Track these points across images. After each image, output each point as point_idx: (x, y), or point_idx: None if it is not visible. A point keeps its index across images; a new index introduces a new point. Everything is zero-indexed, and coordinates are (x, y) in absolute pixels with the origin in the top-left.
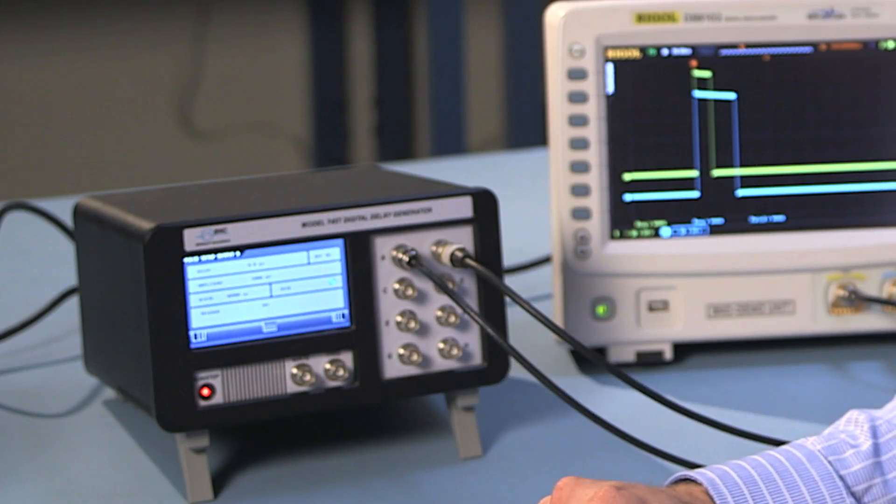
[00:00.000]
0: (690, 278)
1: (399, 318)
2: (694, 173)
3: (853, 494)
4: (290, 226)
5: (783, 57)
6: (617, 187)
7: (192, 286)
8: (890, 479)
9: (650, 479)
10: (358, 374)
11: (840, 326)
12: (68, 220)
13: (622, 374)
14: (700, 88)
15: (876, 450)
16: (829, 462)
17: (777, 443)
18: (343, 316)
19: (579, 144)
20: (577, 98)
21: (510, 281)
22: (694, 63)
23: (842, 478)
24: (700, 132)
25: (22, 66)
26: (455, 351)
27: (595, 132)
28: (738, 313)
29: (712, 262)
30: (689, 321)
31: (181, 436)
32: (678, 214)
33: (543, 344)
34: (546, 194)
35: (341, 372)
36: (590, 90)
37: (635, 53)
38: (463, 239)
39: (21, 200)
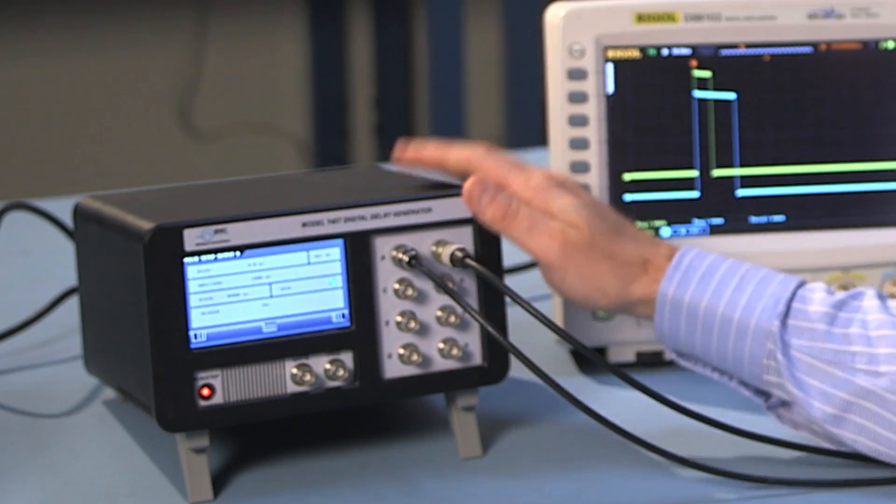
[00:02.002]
0: None
1: (399, 318)
2: (694, 173)
3: (785, 328)
4: (290, 226)
5: (783, 57)
6: (617, 187)
7: (192, 286)
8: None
9: (651, 479)
10: (358, 374)
11: None
12: (68, 220)
13: (622, 373)
14: (700, 88)
15: (832, 319)
16: (794, 288)
17: (777, 442)
18: (343, 316)
19: (579, 144)
20: (577, 98)
21: (510, 281)
22: (694, 63)
23: (788, 307)
24: (700, 132)
25: (22, 66)
26: (455, 351)
27: (595, 132)
28: None
29: None
30: None
31: (181, 436)
32: (678, 214)
33: (543, 344)
34: None
35: (341, 372)
36: (590, 90)
37: (635, 53)
38: (463, 239)
39: (21, 200)
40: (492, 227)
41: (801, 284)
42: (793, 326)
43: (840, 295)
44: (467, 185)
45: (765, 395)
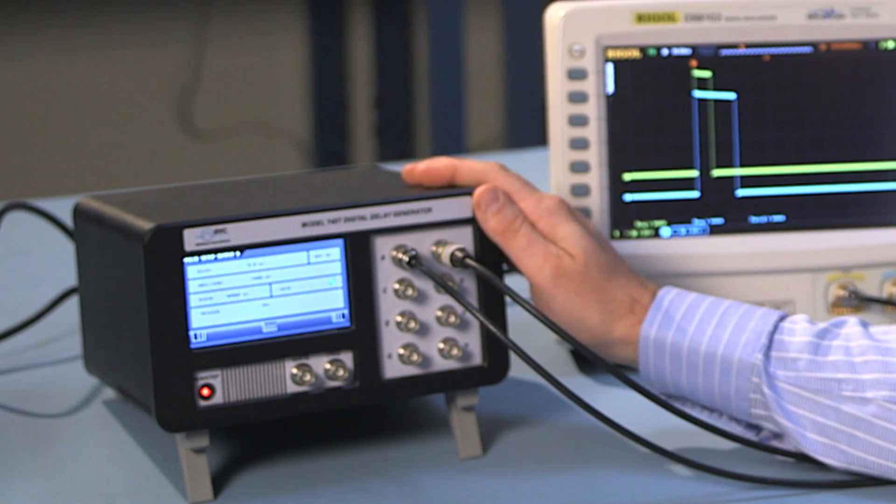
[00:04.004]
0: (690, 278)
1: (399, 318)
2: (694, 173)
3: (769, 361)
4: (290, 226)
5: (783, 57)
6: (617, 187)
7: (192, 286)
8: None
9: (651, 479)
10: (358, 374)
11: None
12: (68, 220)
13: (622, 374)
14: (700, 88)
15: (816, 348)
16: (776, 321)
17: (772, 450)
18: (343, 316)
19: (579, 144)
20: (577, 98)
21: (510, 281)
22: (694, 63)
23: (770, 340)
24: (700, 132)
25: (22, 66)
26: (455, 351)
27: (595, 132)
28: None
29: (712, 262)
30: None
31: (181, 436)
32: (678, 214)
33: (543, 344)
34: None
35: (341, 372)
36: (590, 90)
37: (635, 53)
38: (463, 239)
39: (21, 200)
40: (492, 237)
41: (782, 318)
42: (776, 358)
43: (822, 325)
44: (479, 190)
45: (755, 428)
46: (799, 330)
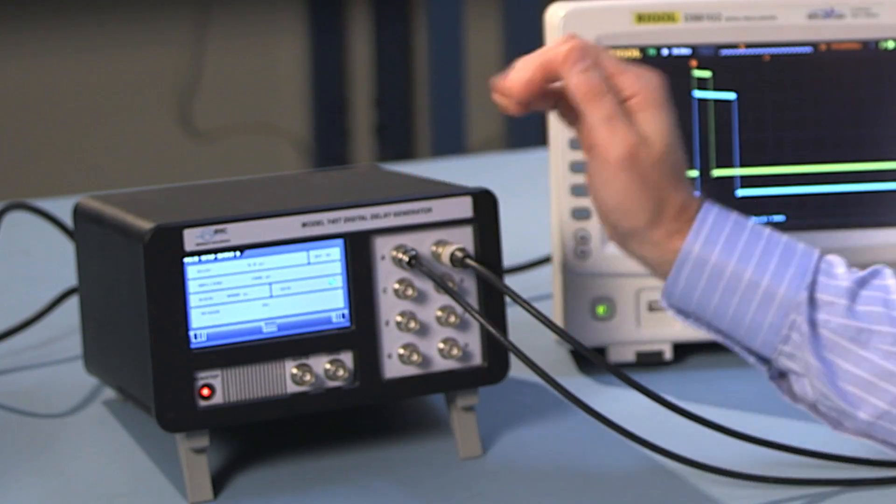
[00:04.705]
0: None
1: (399, 318)
2: (694, 173)
3: (812, 301)
4: (290, 226)
5: (783, 57)
6: None
7: (192, 286)
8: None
9: (651, 479)
10: (358, 374)
11: None
12: (68, 220)
13: (622, 374)
14: (700, 88)
15: (853, 295)
16: (817, 261)
17: (776, 446)
18: (343, 316)
19: (579, 145)
20: None
21: (510, 281)
22: (694, 63)
23: (814, 279)
24: (700, 132)
25: (22, 66)
26: (455, 351)
27: None
28: None
29: None
30: None
31: (181, 436)
32: None
33: (543, 344)
34: (546, 194)
35: (341, 372)
36: None
37: (635, 53)
38: (463, 239)
39: (21, 200)
40: (572, 97)
41: (821, 256)
42: (818, 299)
43: (860, 272)
44: (568, 45)
45: (766, 363)
46: (839, 274)
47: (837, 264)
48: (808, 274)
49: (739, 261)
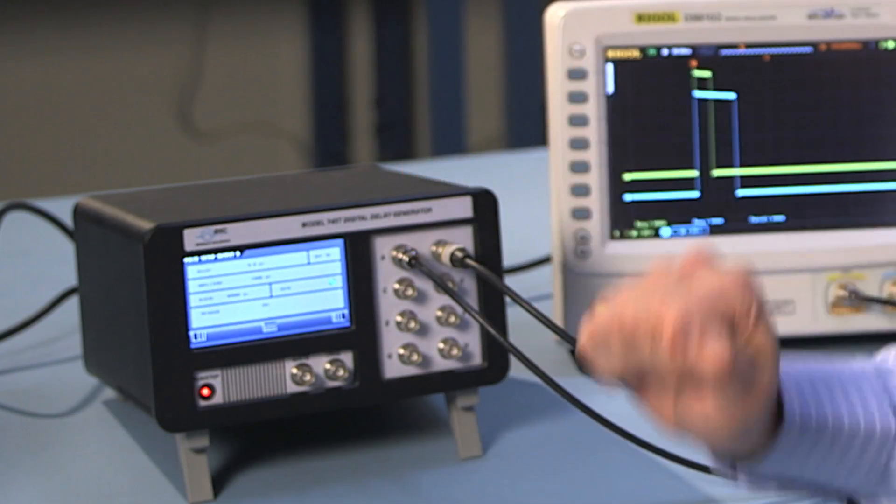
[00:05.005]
0: None
1: (399, 318)
2: (694, 173)
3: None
4: (290, 226)
5: (783, 57)
6: (617, 187)
7: (192, 286)
8: None
9: (651, 479)
10: (358, 374)
11: (840, 326)
12: (68, 220)
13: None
14: (700, 88)
15: None
16: (878, 372)
17: None
18: (343, 316)
19: (579, 144)
20: (577, 98)
21: (510, 281)
22: (694, 63)
23: (888, 391)
24: (700, 132)
25: (22, 66)
26: (455, 351)
27: (595, 132)
28: None
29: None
30: None
31: (181, 436)
32: (678, 214)
33: (543, 344)
34: (546, 194)
35: (341, 372)
36: (590, 90)
37: (635, 53)
38: (463, 239)
39: (21, 200)
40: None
41: (878, 367)
42: None
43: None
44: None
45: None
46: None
47: (889, 358)
48: (883, 396)
49: (832, 409)
